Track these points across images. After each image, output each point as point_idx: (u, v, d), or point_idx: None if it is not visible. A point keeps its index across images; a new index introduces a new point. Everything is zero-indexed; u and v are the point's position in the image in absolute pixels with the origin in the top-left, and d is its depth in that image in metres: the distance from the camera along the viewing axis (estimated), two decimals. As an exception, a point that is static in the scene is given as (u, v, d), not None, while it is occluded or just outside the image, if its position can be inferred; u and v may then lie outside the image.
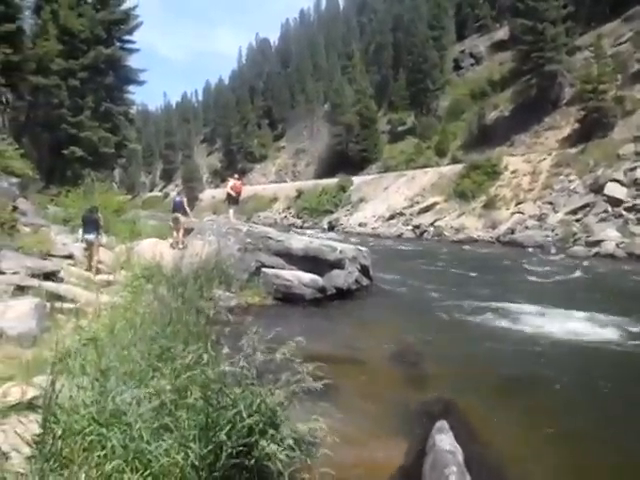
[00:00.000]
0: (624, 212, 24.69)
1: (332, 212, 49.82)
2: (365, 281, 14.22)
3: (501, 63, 52.78)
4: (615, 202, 25.65)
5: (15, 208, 13.00)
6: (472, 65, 60.30)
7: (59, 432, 3.22)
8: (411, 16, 63.95)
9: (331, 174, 58.29)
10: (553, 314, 10.99)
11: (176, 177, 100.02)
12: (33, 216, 14.43)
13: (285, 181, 72.43)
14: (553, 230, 27.01)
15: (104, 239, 13.18)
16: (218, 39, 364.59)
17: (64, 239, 13.52)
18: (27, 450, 3.24)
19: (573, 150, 33.61)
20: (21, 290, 7.59)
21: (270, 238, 13.96)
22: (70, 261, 11.52)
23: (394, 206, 42.31)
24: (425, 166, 46.69)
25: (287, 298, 12.40)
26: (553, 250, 23.53)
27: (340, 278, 13.25)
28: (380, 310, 12.55)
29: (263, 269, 13.17)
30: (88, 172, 25.28)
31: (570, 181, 30.80)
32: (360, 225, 42.72)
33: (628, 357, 8.15)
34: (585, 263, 19.51)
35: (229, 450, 3.31)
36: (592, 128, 33.67)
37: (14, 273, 8.33)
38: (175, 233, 14.68)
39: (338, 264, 13.39)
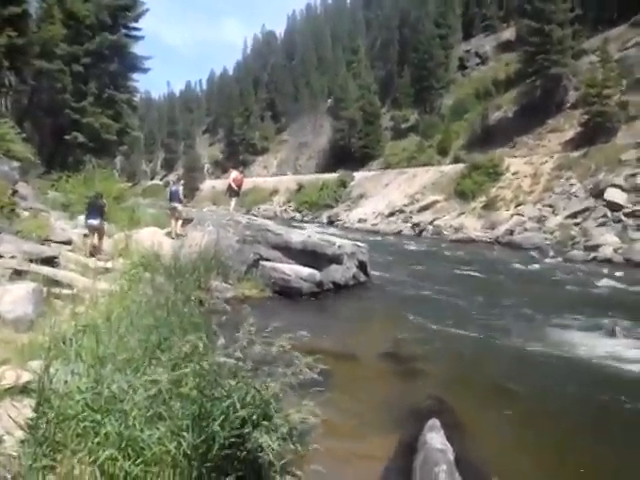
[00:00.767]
0: (624, 217, 24.69)
1: (332, 207, 49.80)
2: (362, 277, 14.26)
3: (507, 64, 52.63)
4: (615, 207, 25.64)
5: (15, 192, 12.97)
6: (477, 65, 60.15)
7: (52, 417, 3.23)
8: (418, 13, 63.74)
9: (332, 169, 58.18)
10: (544, 318, 11.04)
11: (177, 166, 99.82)
12: (33, 201, 14.40)
13: (286, 174, 72.36)
14: (552, 233, 27.02)
15: (106, 226, 13.22)
16: (224, 29, 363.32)
17: (63, 225, 13.53)
18: (20, 434, 3.25)
19: (575, 154, 33.57)
20: (19, 274, 7.58)
21: (269, 231, 13.98)
22: (68, 247, 11.51)
23: (394, 203, 42.30)
24: (426, 164, 46.66)
25: (284, 291, 12.41)
26: (551, 253, 23.53)
27: (338, 273, 13.28)
28: (376, 307, 12.59)
29: (261, 262, 13.18)
30: (89, 158, 25.26)
31: (571, 185, 30.79)
32: (359, 221, 42.70)
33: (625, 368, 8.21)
34: (582, 267, 19.54)
35: (222, 441, 3.32)
36: (595, 132, 33.64)
37: (12, 257, 8.32)
38: (173, 222, 14.68)
39: (336, 259, 13.42)
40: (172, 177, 75.22)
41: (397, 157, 53.60)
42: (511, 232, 29.03)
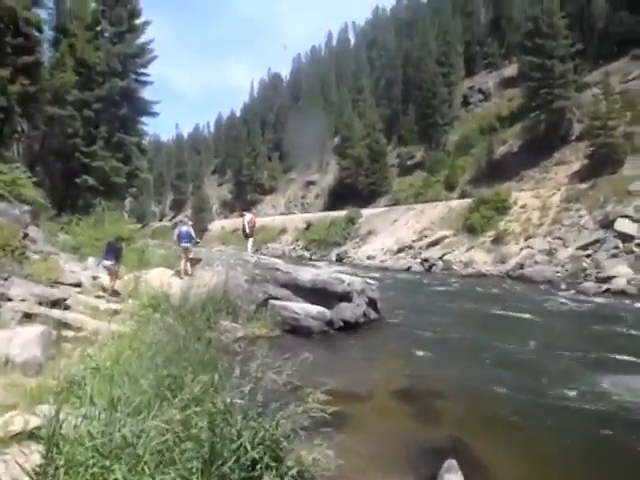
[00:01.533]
0: (635, 248, 24.48)
1: (341, 244, 49.75)
2: (373, 314, 14.12)
3: (510, 99, 53.33)
4: (626, 238, 25.47)
5: (26, 235, 13.10)
6: (481, 101, 60.99)
7: (61, 463, 3.16)
8: (420, 53, 64.92)
9: (340, 207, 58.44)
10: (566, 355, 10.83)
11: (186, 207, 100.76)
12: (43, 243, 14.51)
13: (294, 213, 72.75)
14: (563, 265, 26.80)
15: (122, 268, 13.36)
16: (230, 73, 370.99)
17: (73, 267, 13.58)
18: (28, 481, 3.18)
19: (582, 185, 33.56)
20: (28, 317, 7.58)
21: (278, 269, 13.95)
22: (78, 289, 11.54)
23: (403, 239, 42.23)
24: (434, 200, 46.77)
25: (294, 330, 12.30)
26: (563, 286, 23.30)
27: (348, 311, 13.16)
28: (387, 344, 12.40)
29: (271, 300, 13.12)
30: (99, 201, 25.49)
31: (580, 216, 30.68)
32: (368, 258, 42.56)
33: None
34: (596, 299, 19.28)
35: (233, 484, 3.23)
36: (601, 164, 33.74)
37: (22, 300, 8.33)
38: (182, 262, 14.67)
39: (346, 296, 13.32)
40: (181, 217, 75.85)
41: (404, 193, 53.82)
42: (521, 266, 28.81)
